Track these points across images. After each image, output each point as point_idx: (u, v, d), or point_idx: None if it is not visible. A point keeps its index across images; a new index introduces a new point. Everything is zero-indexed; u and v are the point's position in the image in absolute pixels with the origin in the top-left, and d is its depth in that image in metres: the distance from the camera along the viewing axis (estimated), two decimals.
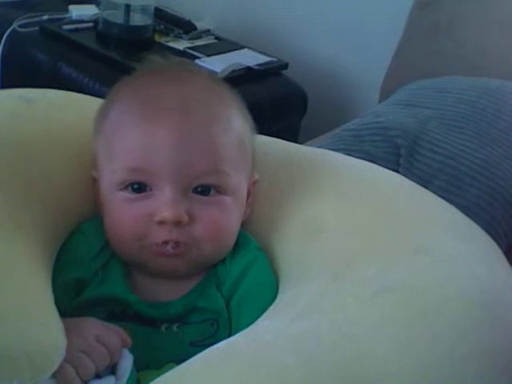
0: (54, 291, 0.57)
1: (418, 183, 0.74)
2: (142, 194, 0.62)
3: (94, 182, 0.67)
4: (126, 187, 0.62)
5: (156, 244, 0.61)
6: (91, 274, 0.63)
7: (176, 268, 0.63)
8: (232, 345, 0.50)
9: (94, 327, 0.56)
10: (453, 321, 0.51)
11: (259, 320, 0.55)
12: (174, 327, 0.62)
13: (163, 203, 0.60)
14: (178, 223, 0.60)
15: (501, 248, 0.65)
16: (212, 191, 0.63)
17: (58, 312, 0.54)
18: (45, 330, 0.50)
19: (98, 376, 0.54)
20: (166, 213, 0.60)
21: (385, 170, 0.73)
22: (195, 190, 0.62)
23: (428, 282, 0.54)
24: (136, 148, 0.61)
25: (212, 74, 0.85)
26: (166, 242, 0.61)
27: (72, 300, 0.61)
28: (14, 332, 0.48)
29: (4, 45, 1.52)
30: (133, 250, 0.62)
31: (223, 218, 0.63)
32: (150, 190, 0.62)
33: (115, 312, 0.61)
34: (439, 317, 0.51)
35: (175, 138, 0.61)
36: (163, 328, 0.62)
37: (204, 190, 0.62)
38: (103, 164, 0.65)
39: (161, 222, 0.60)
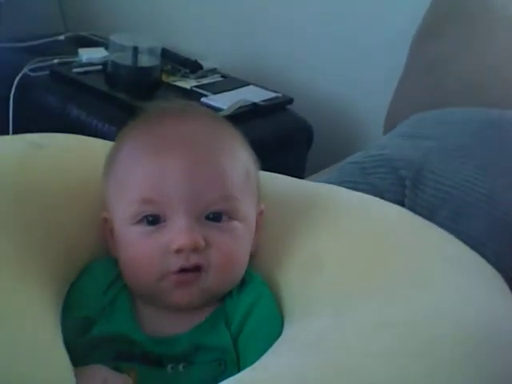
0: (63, 330, 0.58)
1: (424, 214, 0.75)
2: (157, 226, 0.63)
3: (105, 222, 0.68)
4: (140, 221, 0.64)
5: (174, 272, 0.62)
6: (99, 311, 0.64)
7: (191, 300, 0.63)
8: (236, 382, 0.51)
9: (100, 371, 0.57)
10: (452, 354, 0.51)
11: (264, 356, 0.56)
12: (180, 367, 0.62)
13: (179, 231, 0.62)
14: (195, 249, 0.62)
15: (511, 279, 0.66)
16: (224, 217, 0.64)
17: (67, 351, 0.55)
18: (54, 372, 0.51)
19: None
20: (182, 240, 0.61)
21: (387, 203, 0.74)
22: (207, 217, 0.64)
23: (428, 315, 0.55)
24: (148, 179, 0.63)
25: (215, 112, 0.87)
26: (184, 270, 0.62)
27: (80, 338, 0.62)
28: (24, 374, 0.49)
29: (15, 89, 1.56)
30: (151, 283, 0.63)
31: (236, 245, 0.65)
32: (164, 221, 0.63)
33: (122, 352, 0.62)
34: (439, 349, 0.51)
35: (185, 168, 0.63)
36: (169, 368, 0.62)
37: (216, 217, 0.64)
38: (115, 202, 0.66)
39: (178, 251, 0.62)
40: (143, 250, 0.63)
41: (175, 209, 0.63)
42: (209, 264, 0.63)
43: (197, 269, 0.63)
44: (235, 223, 0.65)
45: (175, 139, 0.65)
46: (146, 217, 0.64)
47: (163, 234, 0.63)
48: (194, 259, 0.62)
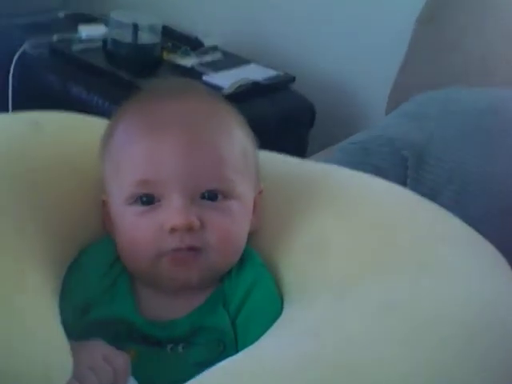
0: (62, 312, 0.58)
1: (427, 194, 0.75)
2: (152, 206, 0.63)
3: (104, 205, 0.68)
4: (135, 201, 0.63)
5: (169, 252, 0.62)
6: (98, 294, 0.64)
7: (189, 278, 0.63)
8: (234, 363, 0.51)
9: (100, 348, 0.57)
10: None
11: (262, 338, 0.56)
12: (180, 348, 0.62)
13: (173, 211, 0.61)
14: (189, 229, 0.61)
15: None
16: (219, 197, 0.64)
17: (66, 333, 0.55)
18: (50, 352, 0.51)
19: None
20: (177, 220, 0.61)
21: (389, 183, 0.74)
22: (203, 197, 0.63)
23: (431, 301, 0.54)
24: (142, 159, 0.63)
25: (212, 91, 0.86)
26: (178, 250, 0.62)
27: (79, 320, 0.62)
28: (20, 354, 0.49)
29: (15, 66, 1.55)
30: (147, 263, 0.63)
31: (233, 224, 0.64)
32: (159, 200, 0.63)
33: (121, 333, 0.62)
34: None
35: (180, 147, 0.62)
36: (168, 349, 0.62)
37: (211, 196, 0.63)
38: (111, 182, 0.66)
39: (172, 230, 0.61)
40: (138, 230, 0.63)
41: (170, 188, 0.62)
42: (207, 245, 0.63)
43: (192, 250, 0.62)
44: (231, 202, 0.64)
45: (171, 118, 0.64)
46: (140, 197, 0.63)
47: (158, 213, 0.62)
48: (188, 240, 0.62)
